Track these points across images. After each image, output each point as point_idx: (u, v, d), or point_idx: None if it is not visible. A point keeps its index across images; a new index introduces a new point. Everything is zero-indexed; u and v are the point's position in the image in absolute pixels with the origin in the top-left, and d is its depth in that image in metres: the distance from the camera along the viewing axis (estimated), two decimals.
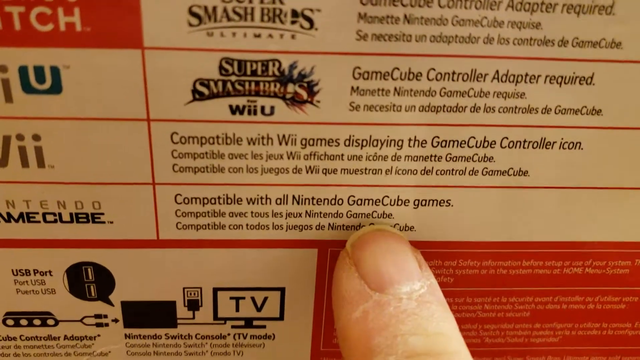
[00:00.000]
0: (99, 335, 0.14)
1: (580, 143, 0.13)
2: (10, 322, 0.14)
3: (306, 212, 0.13)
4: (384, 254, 0.12)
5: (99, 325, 0.14)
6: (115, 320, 0.14)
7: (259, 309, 0.15)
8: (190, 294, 0.14)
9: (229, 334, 0.15)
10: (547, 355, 0.16)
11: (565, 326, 0.15)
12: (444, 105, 0.12)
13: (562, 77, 0.12)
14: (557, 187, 0.13)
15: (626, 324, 0.15)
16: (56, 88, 0.11)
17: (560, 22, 0.11)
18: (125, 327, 0.14)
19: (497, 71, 0.12)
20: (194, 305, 0.14)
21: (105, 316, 0.14)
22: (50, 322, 0.14)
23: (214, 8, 0.11)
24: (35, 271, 0.13)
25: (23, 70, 0.11)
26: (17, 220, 0.13)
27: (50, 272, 0.13)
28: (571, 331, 0.16)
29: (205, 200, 0.13)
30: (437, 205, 0.13)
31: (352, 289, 0.12)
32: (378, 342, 0.11)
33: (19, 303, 0.14)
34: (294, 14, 0.11)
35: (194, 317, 0.15)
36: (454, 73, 0.12)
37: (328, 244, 0.14)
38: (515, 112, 0.12)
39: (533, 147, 0.13)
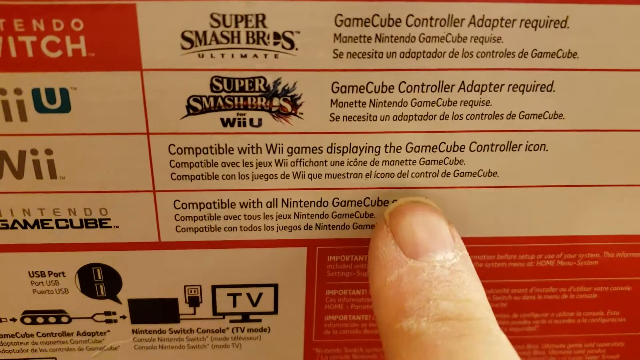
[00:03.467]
0: (108, 331, 0.16)
1: (544, 145, 0.14)
2: (27, 320, 0.15)
3: (295, 214, 0.14)
4: (420, 224, 0.13)
5: (108, 321, 0.15)
6: (123, 317, 0.15)
7: (254, 304, 0.16)
8: (191, 291, 0.15)
9: (227, 328, 0.16)
10: (525, 344, 0.17)
11: (542, 315, 0.16)
12: (416, 115, 0.13)
13: (524, 86, 0.13)
14: (524, 186, 0.14)
15: (599, 312, 0.16)
16: (65, 107, 0.13)
17: (519, 35, 0.12)
18: (133, 323, 0.16)
19: (463, 82, 0.13)
20: (194, 301, 0.15)
21: (114, 313, 0.15)
22: (64, 319, 0.15)
23: (204, 32, 0.12)
24: (50, 272, 0.15)
25: (36, 92, 0.12)
26: (32, 227, 0.14)
27: (63, 273, 0.15)
28: (547, 320, 0.17)
29: (202, 205, 0.14)
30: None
31: (389, 255, 0.12)
32: (411, 305, 0.11)
33: (35, 302, 0.15)
34: (276, 36, 0.12)
35: (194, 313, 0.16)
36: (423, 85, 0.13)
37: (316, 243, 0.15)
38: (482, 119, 0.13)
39: (500, 149, 0.14)
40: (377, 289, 0.12)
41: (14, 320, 0.15)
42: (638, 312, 0.16)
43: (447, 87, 0.13)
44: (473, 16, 0.12)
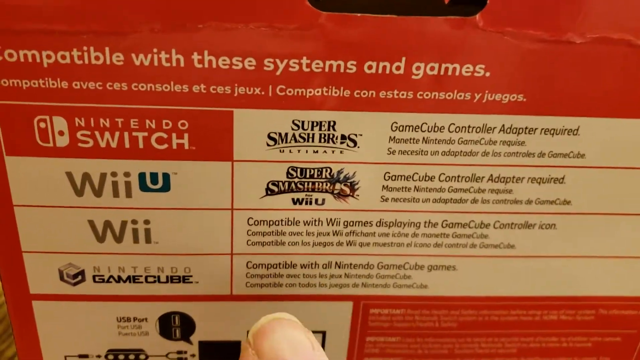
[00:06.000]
0: None
1: (554, 224, 0.17)
2: (110, 356, 0.18)
3: (345, 274, 0.17)
4: (281, 341, 0.13)
5: (180, 359, 0.18)
6: (193, 355, 0.18)
7: None
8: None
9: None
10: None
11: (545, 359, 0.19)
12: (451, 198, 0.16)
13: (540, 178, 0.16)
14: (536, 256, 0.17)
15: (592, 358, 0.19)
16: (166, 188, 0.15)
17: (539, 140, 0.15)
18: None
19: (492, 174, 0.16)
20: None
21: (185, 352, 0.18)
22: (142, 356, 0.18)
23: (286, 134, 0.15)
24: (135, 318, 0.17)
25: (142, 175, 0.15)
26: (125, 281, 0.16)
27: (146, 319, 0.17)
28: None
29: (269, 266, 0.17)
30: (445, 269, 0.17)
31: None
32: None
33: (119, 342, 0.17)
34: (343, 137, 0.15)
35: None
36: (459, 176, 0.16)
37: (360, 298, 0.17)
38: (505, 203, 0.16)
39: (518, 228, 0.16)
40: None
41: (99, 357, 0.18)
42: (625, 357, 0.19)
43: (478, 178, 0.16)
44: (503, 125, 0.15)
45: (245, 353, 0.14)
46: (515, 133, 0.15)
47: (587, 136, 0.15)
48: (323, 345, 0.18)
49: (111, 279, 0.16)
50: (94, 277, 0.16)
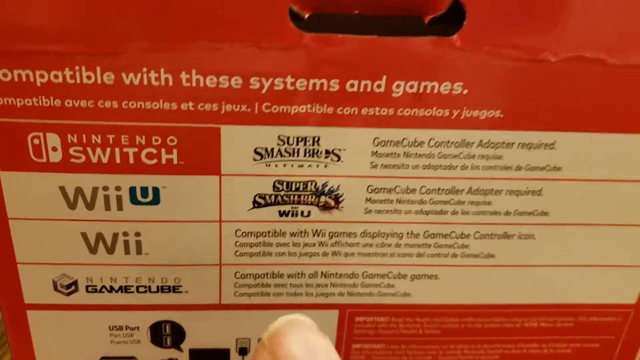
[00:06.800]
0: None
1: (532, 235, 0.17)
2: None
3: (330, 283, 0.17)
4: (298, 344, 0.13)
5: None
6: None
7: None
8: (241, 343, 0.18)
9: None
10: None
11: None
12: (432, 210, 0.16)
13: (518, 191, 0.16)
14: (516, 265, 0.18)
15: None
16: (156, 201, 0.16)
17: (516, 154, 0.16)
18: None
19: (471, 187, 0.16)
20: (243, 351, 0.18)
21: (176, 359, 0.18)
22: None
23: (272, 149, 0.15)
24: (127, 327, 0.17)
25: (132, 189, 0.15)
26: (117, 291, 0.17)
27: (137, 327, 0.18)
28: None
29: (257, 276, 0.17)
30: (427, 278, 0.17)
31: None
32: None
33: (111, 350, 0.18)
34: (327, 152, 0.15)
35: None
36: (439, 189, 0.16)
37: (346, 306, 0.18)
38: (484, 214, 0.17)
39: (498, 238, 0.17)
40: None
41: None
42: None
43: (457, 191, 0.16)
44: (481, 140, 0.15)
45: (259, 354, 0.13)
46: (493, 147, 0.16)
47: (562, 150, 0.16)
48: None
49: (103, 289, 0.17)
50: (86, 287, 0.17)
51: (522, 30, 0.14)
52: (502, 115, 0.15)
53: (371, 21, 0.15)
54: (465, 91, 0.15)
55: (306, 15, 0.14)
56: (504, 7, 0.14)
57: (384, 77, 0.15)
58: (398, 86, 0.15)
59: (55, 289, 0.17)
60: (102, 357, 0.18)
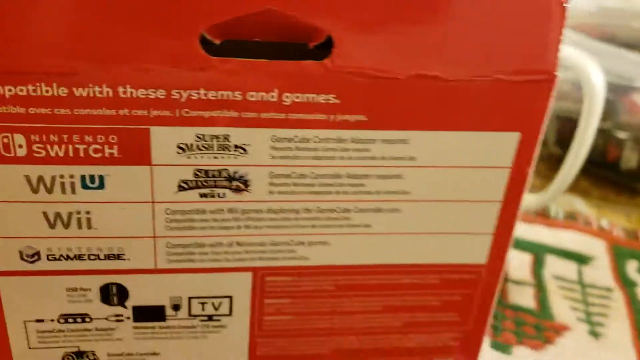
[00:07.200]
0: (117, 328, 0.23)
1: (398, 209, 0.22)
2: (62, 320, 0.22)
3: (244, 250, 0.22)
4: None
5: (117, 321, 0.23)
6: (128, 318, 0.23)
7: (216, 309, 0.23)
8: (174, 300, 0.23)
9: (198, 325, 0.23)
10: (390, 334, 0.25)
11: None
12: (321, 191, 0.21)
13: (384, 175, 0.21)
14: (388, 233, 0.23)
15: (441, 312, 0.25)
16: (102, 186, 0.20)
17: (380, 148, 0.21)
18: (134, 322, 0.23)
19: (348, 173, 0.21)
20: (176, 307, 0.23)
21: (122, 315, 0.23)
22: (87, 319, 0.22)
23: (192, 144, 0.20)
24: (80, 289, 0.22)
25: (83, 177, 0.20)
26: (72, 259, 0.21)
27: (89, 289, 0.22)
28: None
29: (184, 245, 0.21)
30: (320, 244, 0.22)
31: None
32: None
33: (69, 308, 0.22)
34: (236, 146, 0.20)
35: (176, 315, 0.23)
36: (324, 174, 0.21)
37: (258, 269, 0.23)
38: (360, 194, 0.22)
39: (372, 212, 0.22)
40: None
41: (52, 320, 0.22)
42: (465, 312, 0.25)
43: (338, 175, 0.21)
44: (352, 137, 0.20)
45: None
46: (362, 143, 0.21)
47: (415, 144, 0.21)
48: (231, 307, 0.23)
49: (61, 258, 0.21)
50: (47, 256, 0.21)
51: (376, 56, 0.19)
52: (366, 119, 0.20)
53: (268, 47, 0.19)
54: (338, 101, 0.20)
55: (217, 42, 0.19)
56: (365, 38, 0.19)
57: (276, 90, 0.19)
58: (287, 97, 0.19)
59: (21, 258, 0.21)
60: (61, 314, 0.22)
